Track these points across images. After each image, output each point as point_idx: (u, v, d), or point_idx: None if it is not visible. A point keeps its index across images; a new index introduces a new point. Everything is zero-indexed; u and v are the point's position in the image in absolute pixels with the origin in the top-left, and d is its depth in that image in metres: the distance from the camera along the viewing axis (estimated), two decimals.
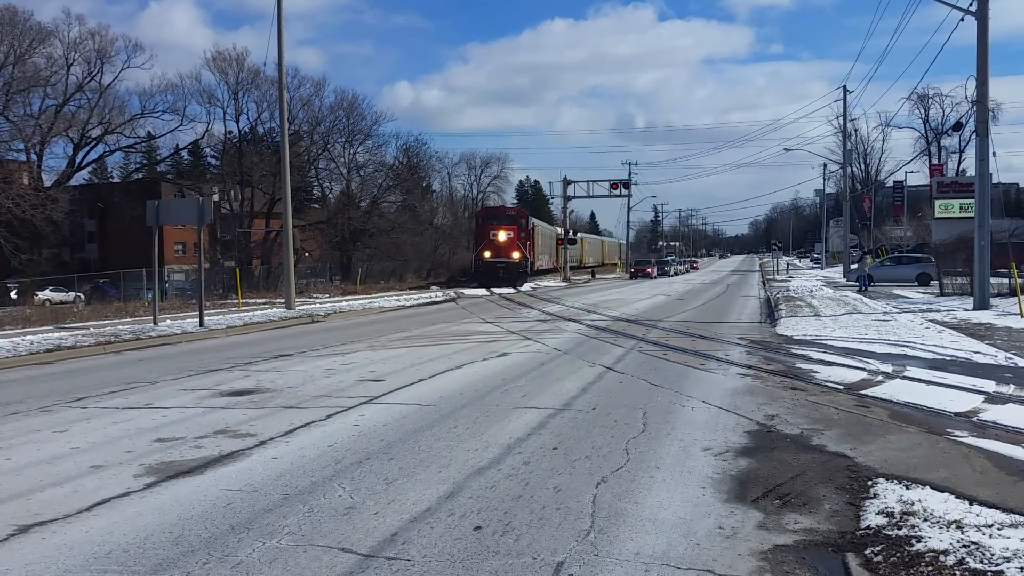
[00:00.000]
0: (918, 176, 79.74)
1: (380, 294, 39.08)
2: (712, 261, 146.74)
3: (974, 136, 23.57)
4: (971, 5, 21.74)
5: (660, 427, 8.19)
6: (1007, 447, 7.10)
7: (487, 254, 47.75)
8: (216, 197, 53.28)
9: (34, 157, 48.90)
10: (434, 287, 46.26)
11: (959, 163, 77.12)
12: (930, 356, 13.24)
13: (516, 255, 48.03)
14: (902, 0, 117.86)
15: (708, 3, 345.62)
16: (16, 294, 43.03)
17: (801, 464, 6.69)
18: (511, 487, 6.11)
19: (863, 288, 35.11)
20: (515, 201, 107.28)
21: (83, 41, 49.43)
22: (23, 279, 45.36)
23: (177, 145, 62.31)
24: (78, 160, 52.53)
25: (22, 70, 45.26)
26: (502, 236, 48.17)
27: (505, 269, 46.96)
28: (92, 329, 19.68)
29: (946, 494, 5.63)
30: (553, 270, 65.18)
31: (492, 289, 43.28)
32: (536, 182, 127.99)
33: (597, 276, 73.44)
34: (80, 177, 59.51)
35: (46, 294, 46.13)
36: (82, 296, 45.39)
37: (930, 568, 4.35)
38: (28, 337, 17.68)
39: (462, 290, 42.05)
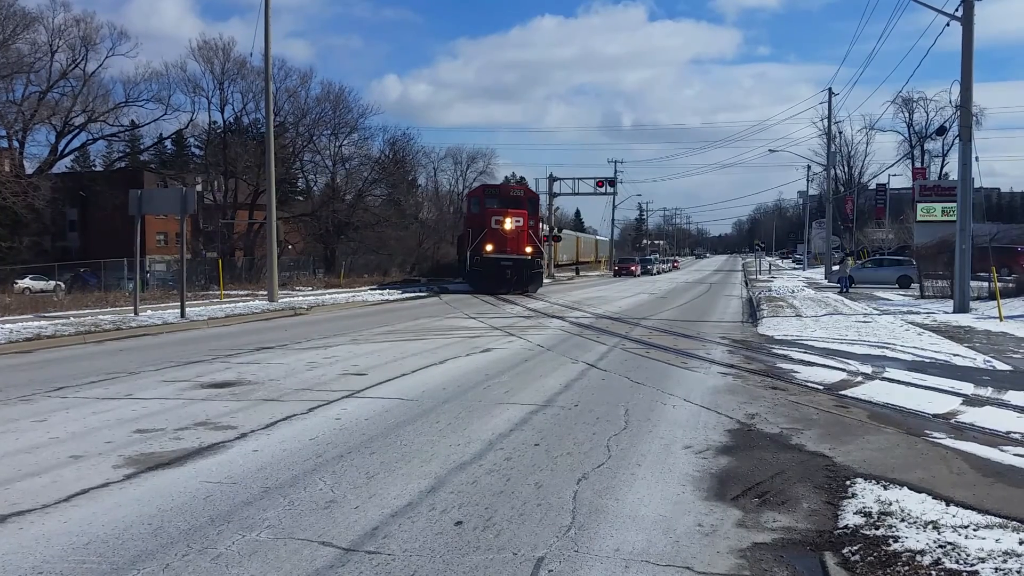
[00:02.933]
0: (901, 179, 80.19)
1: (364, 288, 38.95)
2: (693, 261, 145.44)
3: (957, 141, 23.79)
4: (957, 11, 21.93)
5: (642, 425, 8.22)
6: (984, 449, 7.18)
7: (489, 247, 35.02)
8: (199, 187, 52.88)
9: (16, 144, 48.33)
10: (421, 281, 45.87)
11: (942, 167, 77.71)
12: (909, 358, 13.35)
13: (528, 249, 35.73)
14: (889, 5, 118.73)
15: (698, 4, 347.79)
16: None
17: (780, 463, 6.74)
18: (493, 483, 6.11)
19: (844, 289, 35.34)
20: None
21: (68, 28, 48.83)
22: (3, 267, 44.85)
23: (161, 134, 61.75)
24: (60, 148, 51.94)
25: (5, 56, 44.64)
26: (509, 224, 35.28)
27: (513, 268, 35.20)
28: (72, 318, 19.51)
29: (923, 495, 5.69)
30: None
31: (497, 294, 33.66)
32: (522, 178, 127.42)
33: (581, 273, 73.52)
34: (62, 165, 59.06)
35: (26, 282, 45.65)
36: (63, 285, 44.93)
37: (907, 568, 4.40)
38: (7, 325, 17.52)
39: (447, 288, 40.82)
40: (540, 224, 40.27)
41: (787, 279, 52.80)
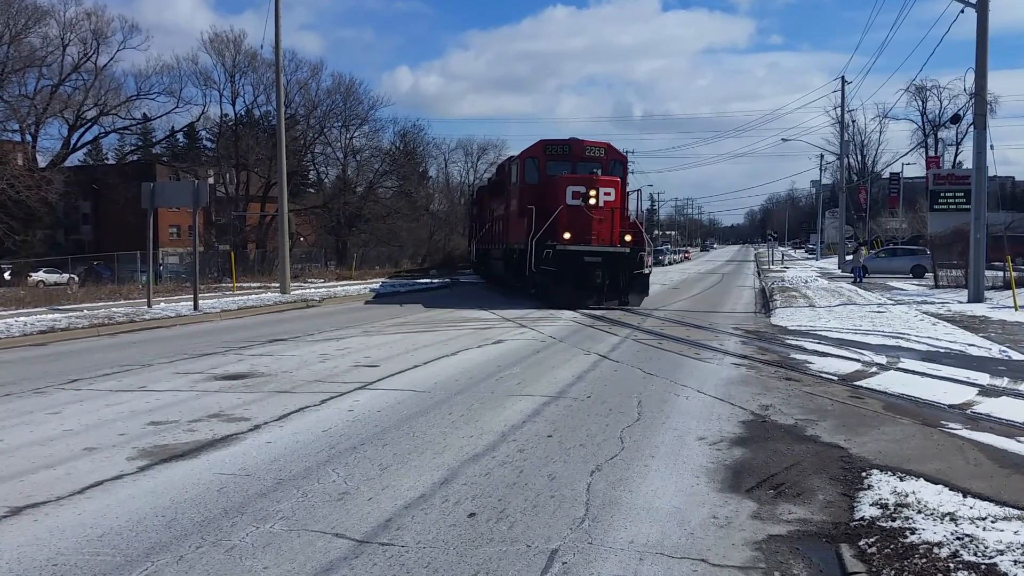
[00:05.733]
0: (915, 168, 79.77)
1: (375, 279, 39.00)
2: (700, 253, 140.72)
3: (972, 129, 23.58)
4: None
5: (655, 416, 8.19)
6: (1001, 440, 7.12)
7: (567, 235, 22.03)
8: (211, 180, 53.13)
9: (29, 138, 48.66)
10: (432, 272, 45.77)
11: (956, 155, 77.31)
12: (924, 348, 13.26)
13: (628, 238, 22.82)
14: None
15: None
16: (10, 275, 42.83)
17: (795, 454, 6.70)
18: (505, 474, 6.10)
19: (858, 279, 35.16)
20: None
21: (79, 21, 48.97)
22: (17, 260, 45.20)
23: (173, 127, 61.97)
24: (73, 141, 52.19)
25: (17, 50, 44.87)
26: (596, 198, 22.27)
27: (605, 266, 22.12)
28: (86, 311, 19.60)
29: (940, 486, 5.64)
30: None
31: (580, 308, 21.49)
32: None
33: None
34: (75, 158, 59.12)
35: (40, 275, 45.89)
36: (76, 278, 45.12)
37: (924, 560, 4.35)
38: (22, 318, 17.62)
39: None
40: (634, 200, 26.32)
41: (800, 269, 52.56)
